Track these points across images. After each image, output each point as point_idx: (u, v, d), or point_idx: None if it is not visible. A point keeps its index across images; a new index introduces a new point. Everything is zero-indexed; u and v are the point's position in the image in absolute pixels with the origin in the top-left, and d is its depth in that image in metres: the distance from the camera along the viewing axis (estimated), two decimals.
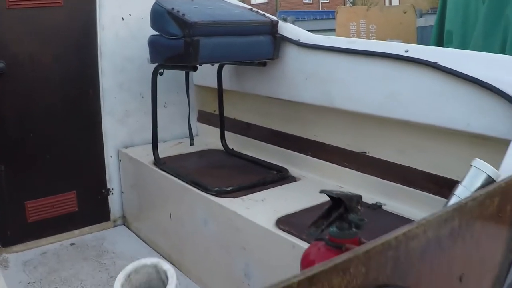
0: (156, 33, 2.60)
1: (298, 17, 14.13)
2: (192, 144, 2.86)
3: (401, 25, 6.83)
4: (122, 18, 3.13)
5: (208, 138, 3.37)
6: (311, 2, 40.75)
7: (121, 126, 3.23)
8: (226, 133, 3.15)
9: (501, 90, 1.85)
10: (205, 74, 3.26)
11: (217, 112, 3.19)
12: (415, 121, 2.17)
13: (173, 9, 2.47)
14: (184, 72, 2.81)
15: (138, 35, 3.10)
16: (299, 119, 2.86)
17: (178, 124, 3.32)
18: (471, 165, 1.35)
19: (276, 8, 27.06)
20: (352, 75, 2.41)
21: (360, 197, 1.32)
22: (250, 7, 2.97)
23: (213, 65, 3.03)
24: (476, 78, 1.93)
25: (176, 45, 2.43)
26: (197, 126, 3.54)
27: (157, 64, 2.70)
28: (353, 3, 30.74)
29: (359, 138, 2.53)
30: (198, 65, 2.60)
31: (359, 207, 1.30)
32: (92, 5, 3.02)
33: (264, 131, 3.07)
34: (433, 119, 2.09)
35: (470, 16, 4.55)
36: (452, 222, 1.04)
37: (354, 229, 1.33)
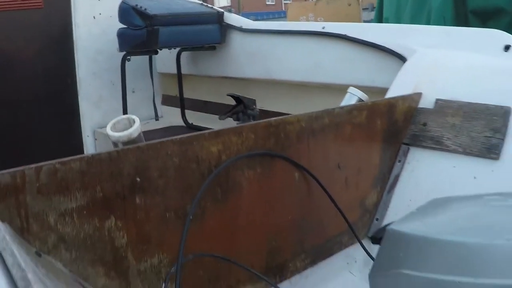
0: (123, 26, 3.20)
1: (258, 17, 14.95)
2: (157, 119, 3.46)
3: (347, 16, 7.55)
4: (94, 17, 3.71)
5: (172, 118, 3.94)
6: (273, 3, 41.92)
7: (96, 110, 3.76)
8: (187, 111, 3.75)
9: (393, 50, 2.49)
10: (166, 62, 3.85)
11: (178, 95, 3.80)
12: (334, 83, 2.80)
13: (136, 5, 3.08)
14: (148, 58, 3.41)
15: (107, 31, 3.66)
16: (246, 94, 3.48)
17: (145, 108, 3.88)
18: (347, 92, 1.98)
19: (238, 10, 27.84)
20: (285, 51, 3.03)
21: (255, 100, 2.04)
22: (201, 2, 3.61)
23: (170, 50, 3.62)
24: (375, 43, 2.57)
25: (140, 34, 3.03)
26: (162, 109, 4.11)
27: (125, 52, 3.30)
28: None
29: (293, 102, 3.16)
30: (158, 50, 3.23)
31: (255, 106, 1.99)
32: (68, 6, 3.60)
33: (219, 106, 3.68)
34: (347, 80, 2.70)
35: (402, 3, 5.26)
36: (322, 120, 1.65)
37: (252, 120, 2.00)
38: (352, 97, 1.98)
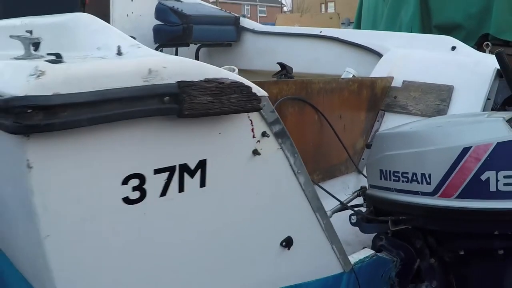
0: (159, 22, 4.17)
1: None
2: None
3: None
4: (127, 15, 4.66)
5: None
6: (265, 15, 45.19)
7: None
8: None
9: (373, 49, 3.55)
10: (185, 56, 4.85)
11: None
12: (328, 74, 3.83)
13: (173, 6, 4.09)
14: (174, 51, 4.41)
15: (138, 27, 4.58)
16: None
17: None
18: (345, 70, 3.04)
19: None
20: (289, 49, 4.06)
21: (292, 68, 3.03)
22: (220, 8, 4.67)
23: (189, 46, 4.57)
24: (359, 44, 3.64)
25: (176, 29, 4.00)
26: None
27: (158, 44, 4.27)
28: (292, 12, 34.00)
29: None
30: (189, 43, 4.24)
31: (292, 72, 2.98)
32: (107, 4, 4.52)
33: None
34: (338, 71, 3.72)
35: (378, 16, 6.41)
36: (331, 84, 2.68)
37: None
38: (348, 74, 3.04)
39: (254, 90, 1.32)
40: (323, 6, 29.64)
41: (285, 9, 41.76)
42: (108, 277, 1.28)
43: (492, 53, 3.02)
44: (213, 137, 1.31)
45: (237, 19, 4.34)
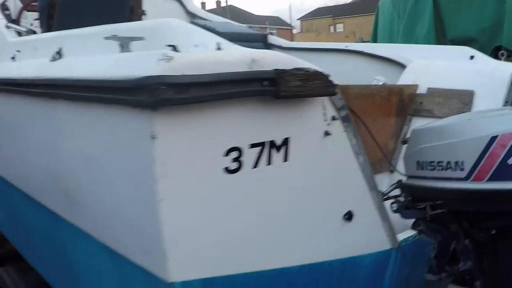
0: None
1: None
2: None
3: None
4: None
5: None
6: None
7: None
8: None
9: (396, 61, 3.88)
10: None
11: None
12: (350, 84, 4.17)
13: (205, 25, 4.44)
14: None
15: None
16: None
17: None
18: (375, 78, 3.37)
19: None
20: (315, 63, 4.39)
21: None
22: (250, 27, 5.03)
23: None
24: (383, 56, 3.97)
25: None
26: None
27: None
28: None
29: None
30: None
31: None
32: None
33: None
34: (364, 83, 4.09)
35: (394, 33, 6.78)
36: (366, 90, 3.01)
37: None
38: (378, 81, 3.36)
39: (330, 78, 1.64)
40: (331, 27, 30.34)
41: (294, 31, 42.71)
42: (211, 238, 1.59)
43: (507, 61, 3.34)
44: (296, 119, 1.61)
45: (265, 37, 4.68)
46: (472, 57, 3.57)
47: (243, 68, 1.44)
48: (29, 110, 2.32)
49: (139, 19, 4.05)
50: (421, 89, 3.38)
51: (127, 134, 1.49)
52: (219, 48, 1.62)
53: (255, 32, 4.76)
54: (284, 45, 4.67)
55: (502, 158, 2.08)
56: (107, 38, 1.77)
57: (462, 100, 3.23)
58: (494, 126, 2.15)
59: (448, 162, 2.24)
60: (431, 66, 3.56)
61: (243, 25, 5.05)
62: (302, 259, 1.84)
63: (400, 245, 2.19)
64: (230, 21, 4.96)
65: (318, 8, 69.58)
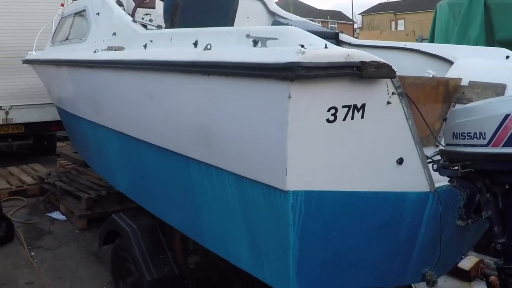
0: None
1: None
2: None
3: None
4: None
5: None
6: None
7: None
8: None
9: (446, 58, 4.81)
10: None
11: None
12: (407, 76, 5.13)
13: (288, 24, 5.46)
14: None
15: None
16: None
17: None
18: (426, 71, 4.34)
19: None
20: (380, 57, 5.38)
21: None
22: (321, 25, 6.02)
23: None
24: (435, 54, 4.90)
25: None
26: None
27: None
28: (361, 29, 35.53)
29: None
30: None
31: None
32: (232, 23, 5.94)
33: None
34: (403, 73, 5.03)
35: (449, 33, 7.69)
36: (419, 80, 3.98)
37: None
38: (429, 74, 4.33)
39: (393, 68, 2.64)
40: (393, 23, 31.07)
41: (355, 26, 43.60)
42: (315, 163, 2.61)
43: None
44: (370, 92, 2.57)
45: (337, 34, 5.69)
46: (507, 57, 4.43)
47: (342, 59, 2.44)
48: (179, 84, 3.39)
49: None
50: (464, 82, 4.23)
51: (272, 95, 2.52)
52: (326, 47, 2.63)
53: (329, 30, 5.76)
54: (353, 42, 5.66)
55: None
56: (248, 36, 2.83)
57: (496, 91, 4.13)
58: (507, 107, 2.97)
59: (474, 133, 3.08)
60: (473, 63, 4.44)
61: (317, 24, 6.06)
62: (370, 187, 2.85)
63: (437, 190, 3.07)
64: (306, 19, 5.95)
65: (379, 4, 69.67)
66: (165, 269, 4.52)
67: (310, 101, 2.47)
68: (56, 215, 8.04)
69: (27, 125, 10.81)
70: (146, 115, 3.99)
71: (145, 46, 4.22)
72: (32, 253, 6.54)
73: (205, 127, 3.17)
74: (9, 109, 10.45)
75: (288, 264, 2.82)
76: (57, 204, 8.30)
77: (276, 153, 2.57)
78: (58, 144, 12.52)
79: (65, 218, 7.87)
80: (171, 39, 3.87)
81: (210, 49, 3.04)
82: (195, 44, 3.40)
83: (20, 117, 10.63)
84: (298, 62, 2.32)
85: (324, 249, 2.90)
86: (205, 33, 3.45)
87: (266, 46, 2.70)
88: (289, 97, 2.40)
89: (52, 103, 9.40)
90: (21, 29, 10.17)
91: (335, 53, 2.47)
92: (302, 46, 2.43)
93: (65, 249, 6.75)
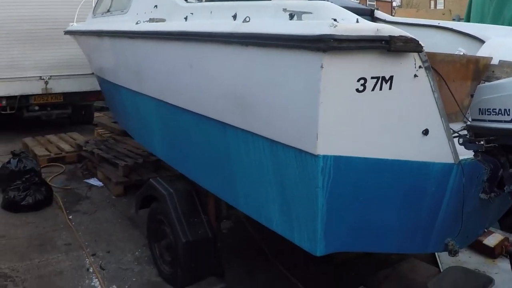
0: None
1: None
2: None
3: None
4: None
5: None
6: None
7: None
8: None
9: (477, 37, 4.93)
10: None
11: None
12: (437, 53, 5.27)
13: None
14: None
15: None
16: None
17: None
18: (457, 49, 4.48)
19: None
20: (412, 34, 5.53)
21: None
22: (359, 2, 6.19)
23: None
24: (468, 33, 5.03)
25: None
26: None
27: None
28: (400, 7, 35.36)
29: None
30: None
31: None
32: None
33: None
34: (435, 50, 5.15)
35: (484, 14, 7.76)
36: (451, 57, 4.13)
37: None
38: (460, 52, 4.47)
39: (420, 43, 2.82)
40: (432, 2, 30.74)
41: (394, 3, 43.23)
42: (345, 129, 2.81)
43: None
44: (398, 64, 2.74)
45: (372, 11, 5.83)
46: None
47: (372, 33, 2.62)
48: (218, 54, 3.61)
49: None
50: (494, 61, 4.33)
51: (306, 65, 2.72)
52: (357, 21, 2.82)
53: (364, 7, 5.91)
54: (388, 19, 5.80)
55: None
56: (285, 10, 3.03)
57: None
58: None
59: (499, 109, 3.22)
60: (505, 43, 4.58)
61: (353, 1, 6.21)
62: (396, 155, 3.04)
63: (460, 162, 3.23)
64: None
65: None
66: (199, 231, 4.78)
67: (341, 72, 2.66)
68: (93, 181, 8.39)
69: (66, 94, 11.18)
70: (186, 84, 4.22)
71: (186, 18, 4.44)
72: (70, 217, 6.89)
73: (242, 94, 3.39)
74: (48, 79, 10.79)
75: (317, 225, 3.04)
76: (94, 171, 8.63)
77: (308, 119, 2.79)
78: (96, 114, 12.90)
79: (102, 185, 8.21)
80: (211, 12, 4.08)
81: (248, 21, 3.25)
82: (234, 17, 3.61)
83: (59, 87, 10.99)
84: (330, 34, 2.52)
85: (351, 212, 3.11)
86: (243, 7, 3.66)
87: (301, 20, 2.90)
88: (322, 67, 2.61)
89: (90, 74, 9.76)
90: (60, 1, 10.47)
91: (365, 27, 2.66)
92: (335, 20, 2.62)
93: (102, 213, 7.07)
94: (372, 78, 2.73)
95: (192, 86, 4.14)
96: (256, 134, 3.38)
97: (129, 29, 5.37)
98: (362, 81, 2.71)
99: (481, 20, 7.83)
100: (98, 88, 9.92)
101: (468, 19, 8.49)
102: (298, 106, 2.87)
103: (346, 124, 2.83)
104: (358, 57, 2.67)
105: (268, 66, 3.06)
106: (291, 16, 3.02)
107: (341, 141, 2.86)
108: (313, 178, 2.92)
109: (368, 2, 49.72)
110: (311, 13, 2.88)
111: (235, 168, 3.87)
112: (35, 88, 10.77)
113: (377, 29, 2.65)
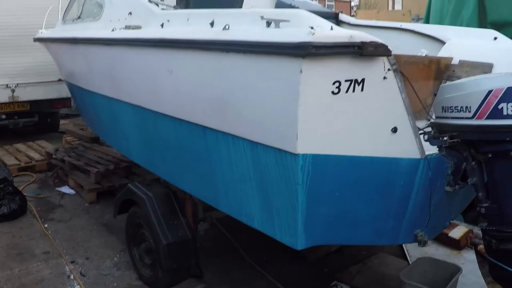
0: None
1: None
2: None
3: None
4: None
5: None
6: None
7: None
8: None
9: (438, 38, 5.23)
10: None
11: None
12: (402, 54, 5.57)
13: (291, 4, 5.86)
14: None
15: None
16: None
17: None
18: (420, 50, 4.78)
19: None
20: (378, 37, 5.82)
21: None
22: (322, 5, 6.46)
23: None
24: (429, 34, 5.32)
25: None
26: None
27: None
28: (358, 7, 36.00)
29: None
30: None
31: None
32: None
33: None
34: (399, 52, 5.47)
35: (443, 14, 8.14)
36: (413, 58, 4.40)
37: None
38: (422, 53, 4.77)
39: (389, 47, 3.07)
40: (390, 1, 31.49)
41: (352, 3, 43.98)
42: (322, 128, 3.05)
43: None
44: (369, 68, 2.98)
45: (337, 14, 6.12)
46: (495, 38, 4.83)
47: (346, 39, 2.87)
48: (199, 60, 3.81)
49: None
50: (454, 61, 4.62)
51: (286, 70, 2.93)
52: (331, 28, 3.08)
53: (329, 11, 6.20)
54: (352, 22, 6.09)
55: (495, 104, 3.27)
56: (262, 18, 3.26)
57: (483, 70, 4.51)
58: (491, 84, 3.34)
59: (461, 107, 3.46)
60: (464, 43, 4.83)
61: (318, 4, 6.48)
62: (368, 152, 3.28)
63: (427, 157, 3.46)
64: (307, 0, 6.38)
65: None
66: (179, 233, 4.95)
67: (318, 76, 2.91)
68: (65, 189, 8.48)
69: (32, 102, 11.21)
70: (165, 89, 4.40)
71: (162, 25, 4.62)
72: (46, 225, 6.98)
73: (223, 99, 3.60)
74: (15, 87, 10.81)
75: (297, 220, 3.29)
76: (65, 179, 8.71)
77: (288, 120, 3.02)
78: (61, 121, 12.92)
79: (74, 192, 8.31)
80: (188, 19, 4.28)
81: (228, 29, 3.47)
82: (212, 24, 3.81)
83: (26, 94, 11.02)
84: (309, 42, 2.76)
85: (328, 206, 3.36)
86: (221, 14, 3.86)
87: (279, 27, 3.13)
88: (301, 71, 2.85)
89: (57, 81, 9.84)
90: (25, 8, 10.53)
91: (340, 34, 2.92)
92: (312, 28, 2.87)
93: (77, 221, 7.18)
94: (346, 81, 2.98)
95: (171, 91, 4.32)
96: (237, 136, 3.59)
97: (105, 36, 5.52)
98: (337, 84, 2.96)
99: (440, 20, 8.21)
100: (64, 95, 10.03)
101: (427, 19, 8.88)
102: (278, 108, 3.11)
103: (323, 124, 3.07)
104: (333, 61, 2.92)
105: (249, 71, 3.28)
106: (268, 24, 3.23)
107: (318, 140, 3.11)
108: (293, 175, 3.16)
109: (326, 3, 50.48)
110: (288, 21, 3.11)
111: (215, 169, 4.07)
112: (2, 96, 10.80)
113: (350, 36, 2.90)
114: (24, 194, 7.81)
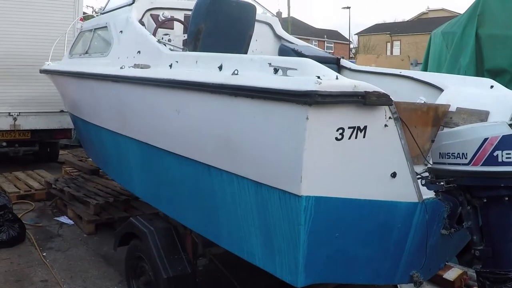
0: None
1: None
2: None
3: (400, 68, 10.81)
4: (252, 51, 6.69)
5: None
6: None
7: None
8: None
9: (436, 85, 5.44)
10: None
11: None
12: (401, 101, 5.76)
13: (294, 48, 6.07)
14: None
15: None
16: None
17: None
18: (419, 98, 4.98)
19: None
20: (377, 83, 6.01)
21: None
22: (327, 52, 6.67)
23: None
24: (427, 81, 5.53)
25: None
26: None
27: None
28: (357, 51, 36.47)
29: None
30: None
31: None
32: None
33: None
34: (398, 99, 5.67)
35: (442, 61, 8.39)
36: (412, 106, 4.59)
37: None
38: (421, 100, 4.97)
39: (390, 97, 3.26)
40: (388, 44, 32.18)
41: (351, 45, 44.75)
42: (325, 172, 3.23)
43: None
44: (371, 116, 3.15)
45: (338, 60, 6.33)
46: (492, 87, 5.01)
47: (350, 89, 3.05)
48: (207, 102, 3.99)
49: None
50: (452, 108, 4.78)
51: (292, 116, 3.09)
52: (337, 78, 3.27)
53: (331, 56, 6.40)
54: (352, 68, 6.29)
55: (490, 152, 3.41)
56: (270, 65, 3.46)
57: (480, 117, 4.69)
58: (486, 132, 3.49)
59: (458, 153, 3.60)
60: (461, 91, 5.00)
61: (320, 49, 6.70)
62: (368, 195, 3.45)
63: (424, 201, 3.61)
64: (309, 45, 6.60)
65: (376, 24, 71.36)
66: (179, 267, 5.03)
67: (323, 122, 3.08)
68: (64, 219, 8.58)
69: (33, 131, 11.40)
70: (172, 128, 4.56)
71: (170, 66, 4.80)
72: (44, 254, 7.07)
73: (230, 140, 3.76)
74: (17, 115, 10.99)
75: (298, 258, 3.41)
76: (64, 209, 8.83)
77: (293, 163, 3.18)
78: (60, 152, 13.06)
79: (73, 223, 8.42)
80: (196, 61, 4.46)
81: (237, 74, 3.65)
82: (220, 68, 3.99)
83: (27, 123, 11.20)
84: (315, 90, 2.95)
85: (328, 246, 3.49)
86: (229, 59, 4.05)
87: (287, 75, 3.32)
88: (307, 118, 3.03)
89: (59, 111, 10.03)
90: (33, 38, 10.80)
91: (345, 84, 3.11)
92: (318, 77, 3.06)
93: (75, 251, 7.27)
94: (349, 128, 3.15)
95: (178, 130, 4.48)
96: (242, 176, 3.74)
97: (114, 73, 5.67)
98: (340, 131, 3.13)
99: (438, 67, 8.47)
100: (66, 126, 10.18)
101: (425, 66, 9.15)
102: (284, 151, 3.27)
103: (326, 168, 3.23)
104: (337, 109, 3.10)
105: (257, 115, 3.45)
106: (276, 71, 3.41)
107: (321, 183, 3.26)
108: (296, 216, 3.31)
109: (326, 44, 51.16)
110: (296, 69, 3.30)
111: (218, 207, 4.21)
112: (4, 124, 10.99)
113: (355, 85, 3.09)
114: (24, 222, 7.89)
